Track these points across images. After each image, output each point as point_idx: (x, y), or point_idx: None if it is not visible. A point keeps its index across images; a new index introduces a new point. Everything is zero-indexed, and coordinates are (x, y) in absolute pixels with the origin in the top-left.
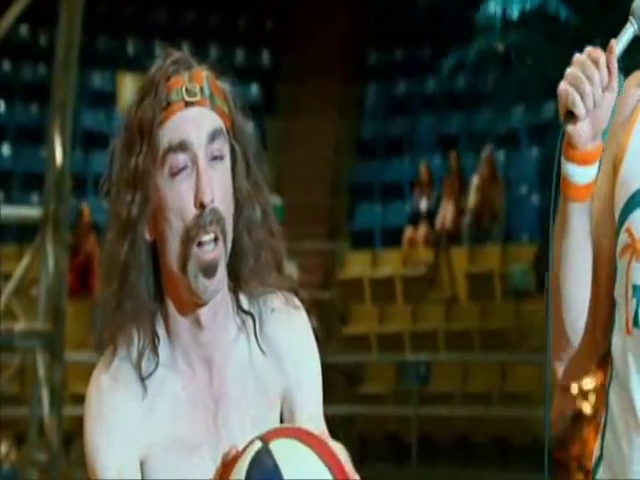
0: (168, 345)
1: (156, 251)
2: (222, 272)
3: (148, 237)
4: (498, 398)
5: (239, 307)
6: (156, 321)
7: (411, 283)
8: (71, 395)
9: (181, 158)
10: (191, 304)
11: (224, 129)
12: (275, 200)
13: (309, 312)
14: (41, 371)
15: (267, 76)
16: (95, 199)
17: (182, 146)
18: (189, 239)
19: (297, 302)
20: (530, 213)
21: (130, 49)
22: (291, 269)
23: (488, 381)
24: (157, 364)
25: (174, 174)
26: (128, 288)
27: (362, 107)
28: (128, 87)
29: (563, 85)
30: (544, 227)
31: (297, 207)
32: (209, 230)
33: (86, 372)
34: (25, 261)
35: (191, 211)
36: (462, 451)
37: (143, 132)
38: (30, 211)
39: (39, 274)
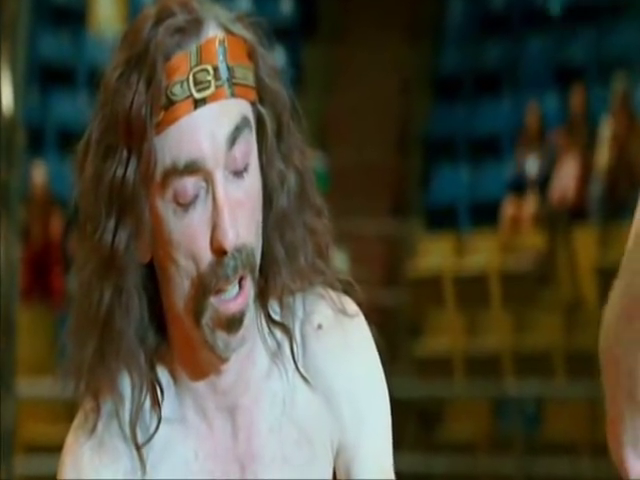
0: (174, 393)
1: (152, 270)
2: (249, 318)
3: (142, 259)
4: None
5: (271, 321)
6: (156, 363)
7: (514, 280)
8: (25, 444)
9: (191, 184)
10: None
11: (249, 112)
12: (316, 162)
13: (368, 321)
14: None
15: None
16: (57, 160)
17: (192, 168)
18: (204, 287)
19: (352, 308)
20: None
21: None
22: (340, 261)
23: None
24: (159, 421)
25: (182, 204)
26: (114, 337)
27: (442, 28)
28: (103, 0)
29: None
30: None
31: (348, 172)
32: (232, 280)
33: (46, 411)
34: None
35: (207, 256)
36: None
37: (131, 134)
38: None
39: None
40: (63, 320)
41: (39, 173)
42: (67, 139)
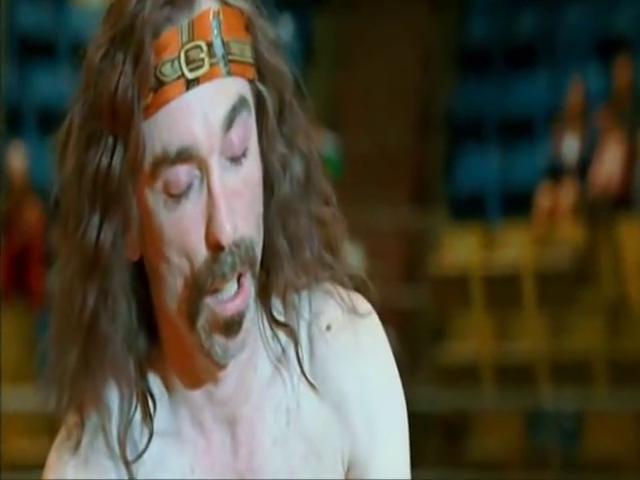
0: (167, 404)
1: (142, 268)
2: (250, 320)
3: (130, 257)
4: None
5: (274, 322)
6: (147, 371)
7: (549, 278)
8: (8, 461)
9: (183, 173)
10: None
11: (248, 91)
12: (327, 144)
13: (385, 324)
14: None
15: None
16: (37, 142)
17: (185, 155)
18: (199, 287)
19: (364, 305)
20: None
21: None
22: (354, 256)
23: None
24: (151, 435)
25: (174, 195)
26: (99, 344)
27: None
28: None
29: None
30: None
31: (363, 156)
32: (230, 277)
33: (26, 424)
34: None
35: (202, 252)
36: None
37: (117, 120)
38: None
39: None
40: (44, 322)
41: (17, 157)
42: (48, 119)
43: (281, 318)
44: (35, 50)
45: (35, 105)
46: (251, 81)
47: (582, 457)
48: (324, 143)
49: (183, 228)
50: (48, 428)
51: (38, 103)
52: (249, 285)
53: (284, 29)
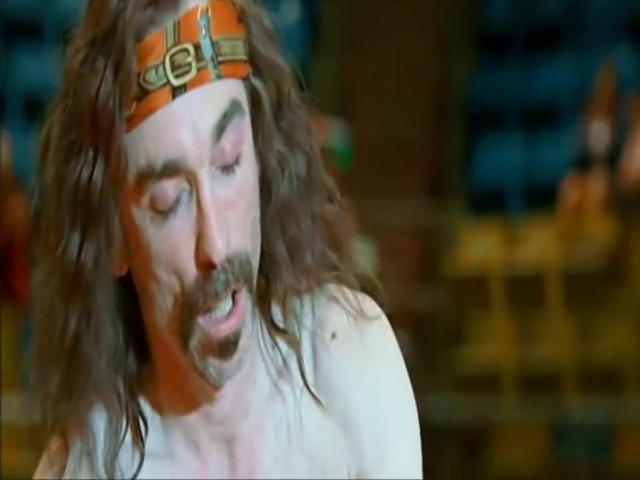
0: (160, 425)
1: (129, 282)
2: (247, 337)
3: (116, 273)
4: None
5: (275, 330)
6: (137, 391)
7: (577, 278)
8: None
9: (171, 187)
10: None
11: (241, 92)
12: (336, 134)
13: (397, 328)
14: None
15: None
16: (22, 132)
17: (172, 169)
18: (190, 307)
19: (372, 308)
20: None
21: None
22: (364, 254)
23: None
24: (142, 457)
25: (161, 211)
26: (83, 368)
27: None
28: None
29: None
30: None
31: (374, 146)
32: (223, 296)
33: (9, 435)
34: None
35: (192, 270)
36: None
37: (98, 130)
38: None
39: None
40: (28, 326)
41: (2, 147)
42: (35, 106)
43: (282, 325)
44: (21, 32)
45: (20, 90)
46: (245, 79)
47: (612, 472)
48: (332, 133)
49: (172, 245)
50: (31, 439)
51: (24, 88)
52: (245, 301)
53: (290, 13)
